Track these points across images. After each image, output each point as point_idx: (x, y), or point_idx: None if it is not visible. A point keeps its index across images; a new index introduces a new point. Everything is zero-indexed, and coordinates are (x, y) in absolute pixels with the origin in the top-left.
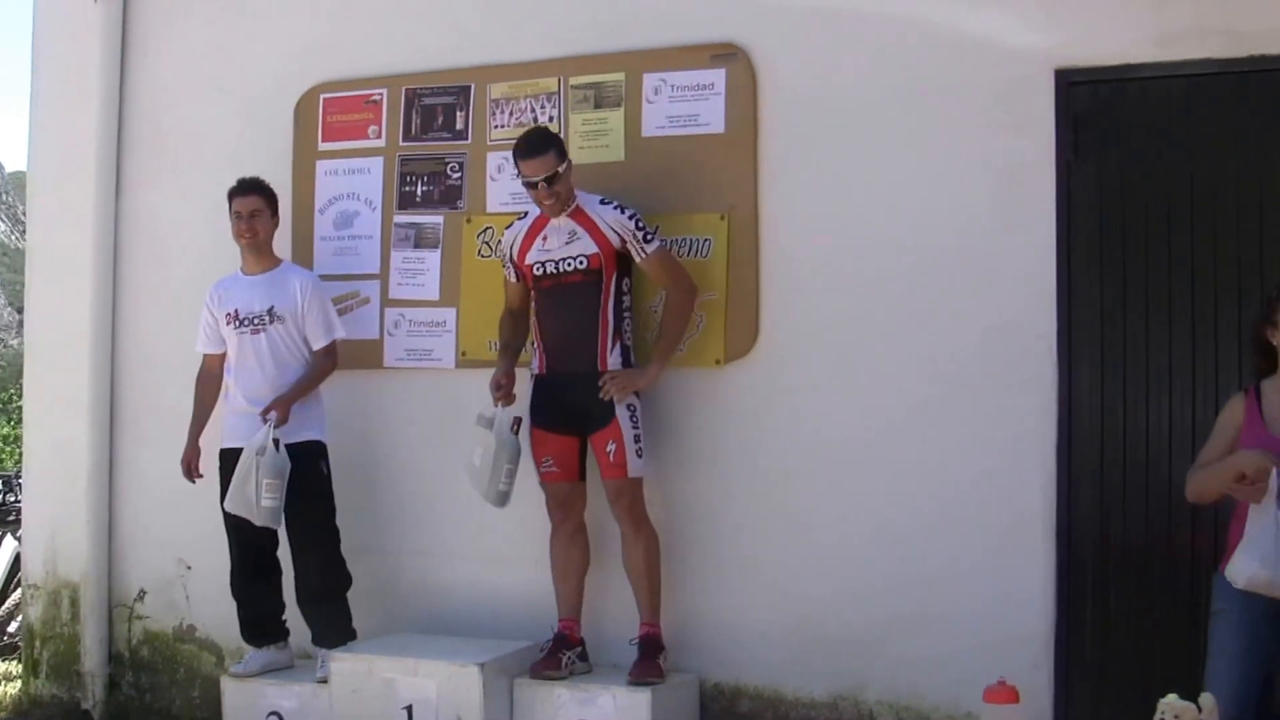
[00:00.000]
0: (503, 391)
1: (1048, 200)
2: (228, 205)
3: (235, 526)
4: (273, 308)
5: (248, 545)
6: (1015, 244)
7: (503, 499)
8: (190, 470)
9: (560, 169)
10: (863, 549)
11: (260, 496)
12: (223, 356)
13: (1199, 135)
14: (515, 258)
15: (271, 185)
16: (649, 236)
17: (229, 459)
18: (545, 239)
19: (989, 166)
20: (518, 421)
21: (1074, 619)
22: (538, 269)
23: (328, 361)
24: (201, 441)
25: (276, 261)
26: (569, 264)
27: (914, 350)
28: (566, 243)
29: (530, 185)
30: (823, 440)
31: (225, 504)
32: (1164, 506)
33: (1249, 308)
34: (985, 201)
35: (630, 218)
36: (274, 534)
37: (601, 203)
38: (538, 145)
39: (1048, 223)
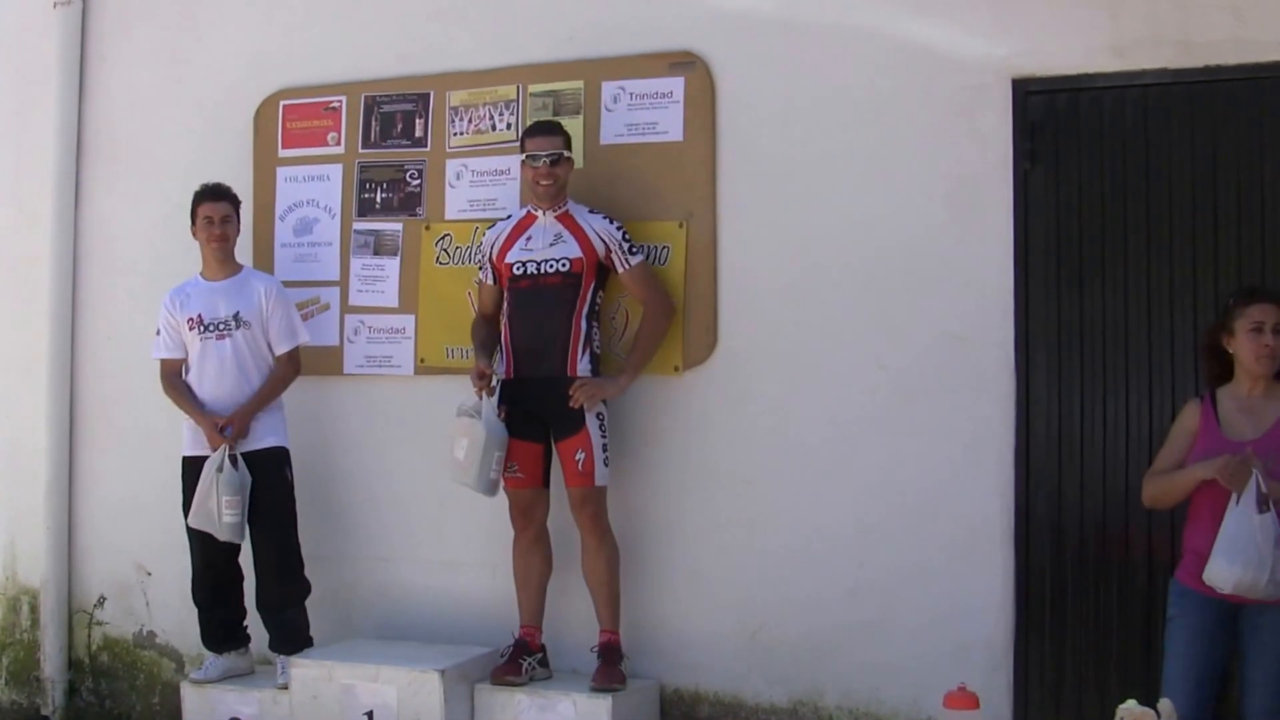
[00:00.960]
0: (485, 380)
1: (1004, 208)
2: (191, 210)
3: (198, 534)
4: (238, 313)
5: (210, 552)
6: (972, 252)
7: (494, 487)
8: (218, 433)
9: (565, 154)
10: (821, 554)
11: (221, 512)
12: (183, 361)
13: (1154, 144)
14: (494, 256)
15: (236, 192)
16: (633, 249)
17: (191, 466)
18: (529, 239)
19: (946, 175)
20: (504, 409)
21: (1031, 624)
22: (517, 268)
23: (290, 368)
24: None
25: (239, 267)
26: (551, 265)
27: (871, 358)
28: (550, 244)
29: (534, 162)
30: (781, 447)
31: (189, 520)
32: (1120, 513)
33: (1204, 315)
34: (942, 210)
35: (618, 229)
36: (239, 547)
37: (590, 212)
38: (550, 126)
39: (1004, 231)
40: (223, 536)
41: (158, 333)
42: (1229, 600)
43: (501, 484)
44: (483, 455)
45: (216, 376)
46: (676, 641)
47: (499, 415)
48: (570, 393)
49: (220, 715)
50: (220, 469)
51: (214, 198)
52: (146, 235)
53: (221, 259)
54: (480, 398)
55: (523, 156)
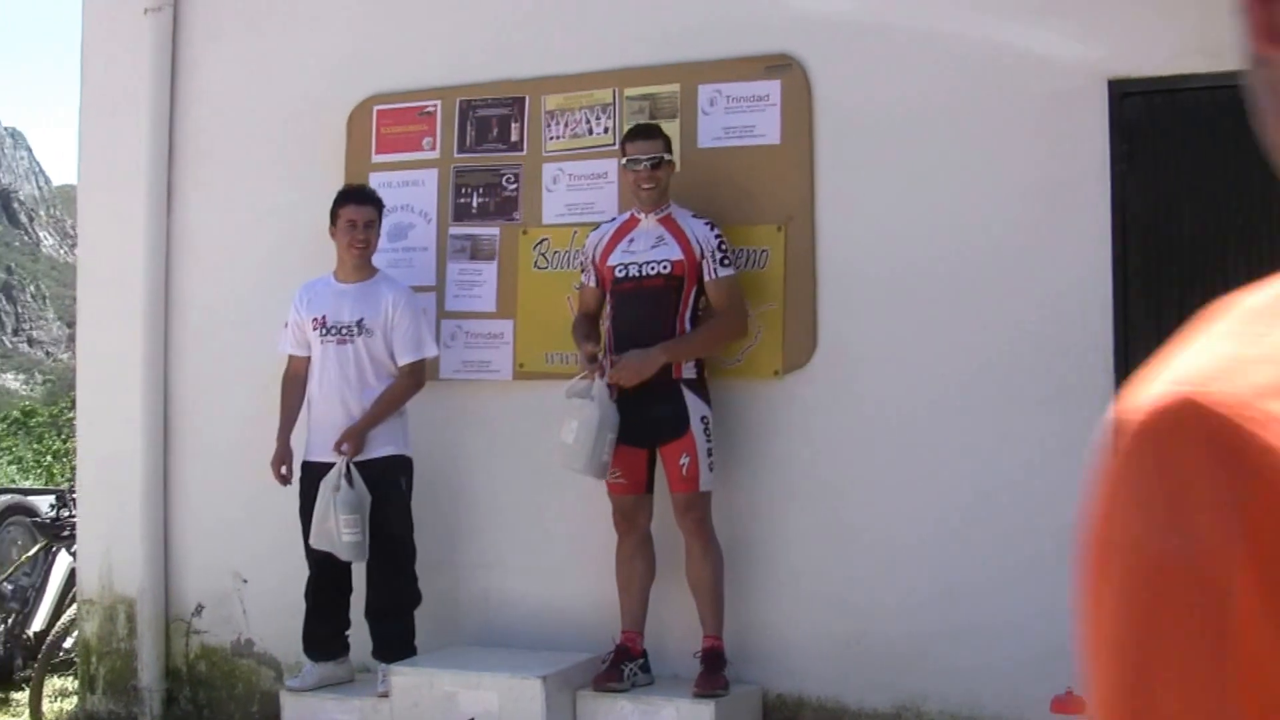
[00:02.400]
0: (595, 363)
1: (1102, 210)
2: (332, 210)
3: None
4: (362, 320)
5: (324, 560)
6: (1069, 254)
7: (605, 470)
8: (281, 472)
9: (666, 157)
10: (920, 559)
11: (340, 532)
12: (308, 360)
13: (1248, 144)
14: (597, 259)
15: (327, 197)
16: (726, 261)
17: (310, 472)
18: (631, 241)
19: (1042, 177)
20: (615, 389)
21: None
22: (620, 270)
23: (411, 380)
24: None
25: (373, 271)
26: (653, 268)
27: (970, 361)
28: (653, 246)
29: (635, 166)
30: (880, 451)
31: (310, 540)
32: None
33: None
34: (1040, 212)
35: (717, 237)
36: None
37: (694, 216)
38: (650, 130)
39: (1102, 233)
40: (344, 557)
41: (285, 326)
42: None
43: (608, 474)
44: (596, 437)
45: (333, 382)
46: (779, 647)
47: (612, 396)
48: (609, 380)
49: None
50: (337, 488)
51: (359, 201)
52: (240, 240)
53: (358, 263)
54: (592, 381)
55: (623, 161)
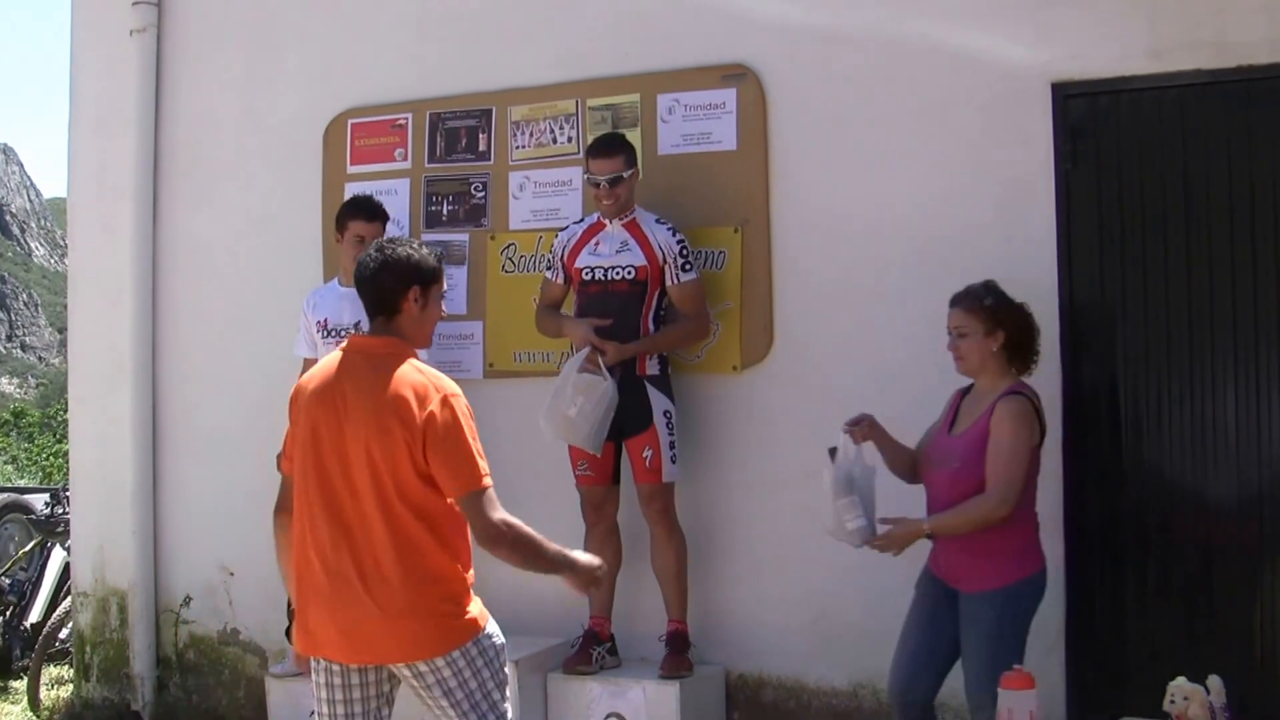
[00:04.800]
0: (598, 341)
1: (1048, 208)
2: (339, 219)
3: None
4: (359, 322)
5: None
6: (1018, 250)
7: (601, 445)
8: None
9: (625, 174)
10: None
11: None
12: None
13: (1192, 143)
14: (565, 258)
15: (305, 207)
16: (688, 266)
17: None
18: (598, 244)
19: (991, 177)
20: (618, 369)
21: (1083, 607)
22: (587, 274)
23: None
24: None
25: None
26: (618, 272)
27: (924, 354)
28: (618, 251)
29: (593, 183)
30: (835, 440)
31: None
32: (1166, 497)
33: (1244, 308)
34: (989, 211)
35: (678, 242)
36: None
37: (657, 221)
38: (609, 147)
39: (1048, 230)
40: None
41: (299, 330)
42: (949, 584)
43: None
44: (605, 414)
45: None
46: (741, 630)
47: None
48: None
49: (304, 708)
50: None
51: (369, 217)
52: (223, 250)
53: None
54: (599, 355)
55: (586, 177)
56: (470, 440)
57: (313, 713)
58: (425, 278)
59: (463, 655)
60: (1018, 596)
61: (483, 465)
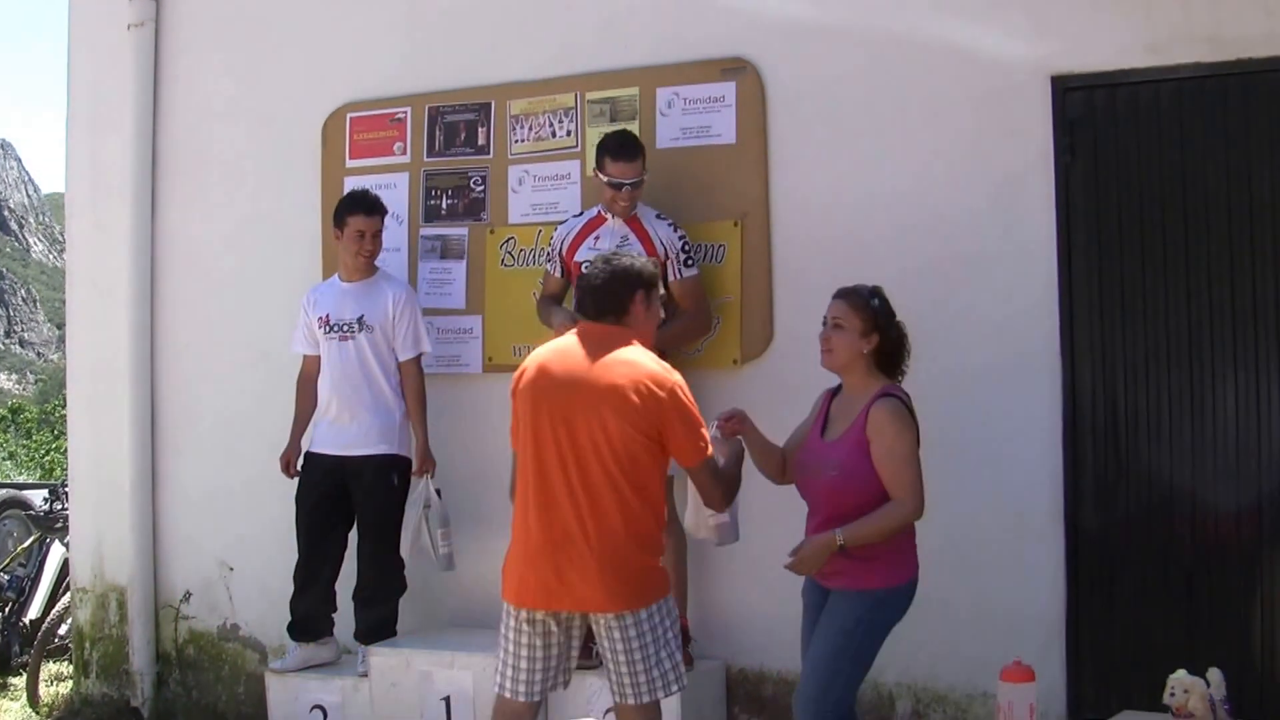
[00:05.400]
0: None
1: (1046, 202)
2: (338, 214)
3: (304, 524)
4: (362, 317)
5: (314, 545)
6: (1017, 244)
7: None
8: (288, 467)
9: (645, 177)
10: None
11: (437, 545)
12: (319, 359)
13: (1189, 136)
14: (564, 252)
15: (303, 202)
16: (690, 262)
17: (312, 462)
18: (597, 239)
19: (990, 171)
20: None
21: (1082, 600)
22: (586, 267)
23: (419, 375)
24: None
25: (373, 271)
26: None
27: (921, 348)
28: (618, 246)
29: (615, 186)
30: None
31: (402, 553)
32: (1164, 492)
33: (1241, 301)
34: (986, 204)
35: (680, 238)
36: (344, 544)
37: (658, 217)
38: (633, 149)
39: (1047, 223)
40: (441, 568)
41: (296, 328)
42: (824, 584)
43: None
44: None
45: (338, 378)
46: (741, 624)
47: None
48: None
49: (303, 703)
50: (428, 505)
51: (368, 211)
52: (220, 246)
53: (361, 265)
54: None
55: (602, 177)
56: (698, 416)
57: (314, 707)
58: (648, 283)
59: (658, 610)
60: (884, 604)
61: (706, 435)
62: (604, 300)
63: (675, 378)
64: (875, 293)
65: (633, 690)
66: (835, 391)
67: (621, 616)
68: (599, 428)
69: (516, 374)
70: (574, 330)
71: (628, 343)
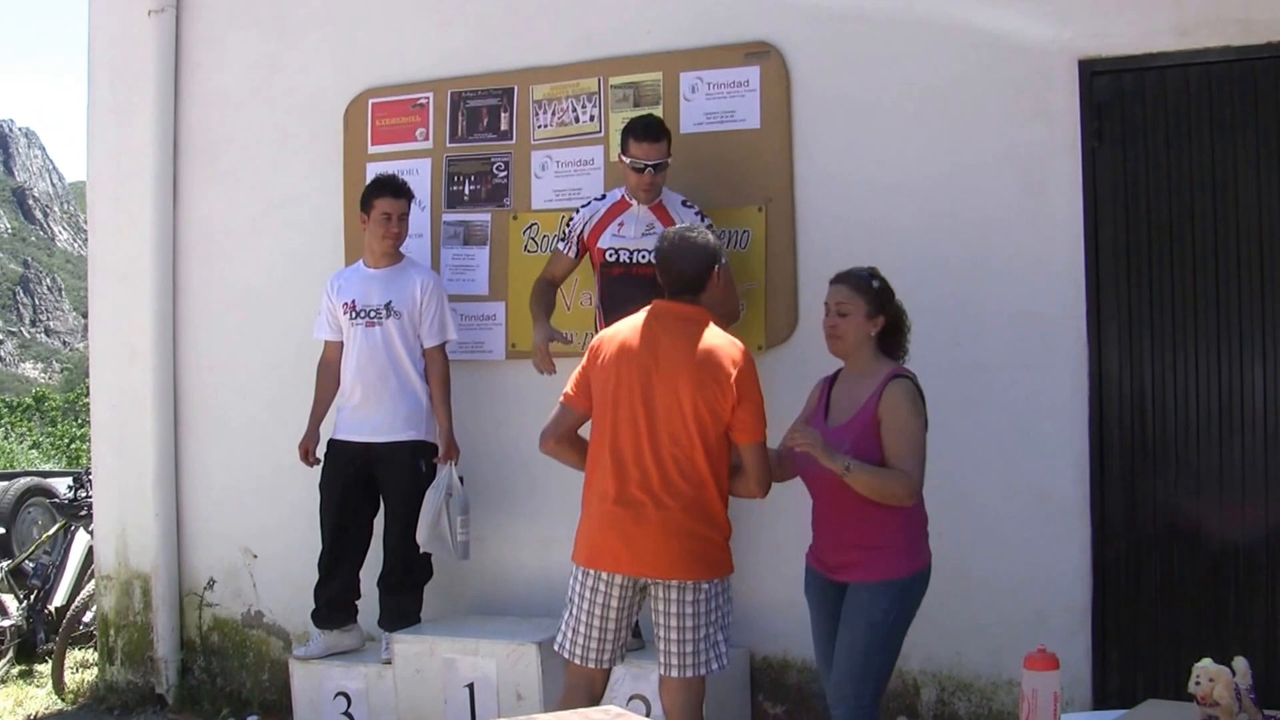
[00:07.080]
0: (549, 361)
1: (1074, 187)
2: (364, 199)
3: (330, 511)
4: (390, 303)
5: (340, 531)
6: (1043, 230)
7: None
8: (308, 456)
9: (669, 160)
10: None
11: (455, 533)
12: (341, 345)
13: (1218, 120)
14: (586, 235)
15: (326, 189)
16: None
17: (335, 449)
18: (621, 225)
19: (1017, 156)
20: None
21: (1109, 589)
22: (610, 255)
23: (445, 362)
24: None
25: (400, 257)
26: (643, 255)
27: (947, 335)
28: (644, 234)
29: (638, 169)
30: None
31: (420, 541)
32: (1190, 481)
33: (1271, 286)
34: (1013, 189)
35: (708, 227)
36: (369, 531)
37: (684, 204)
38: (658, 131)
39: (1074, 209)
40: (458, 557)
41: (319, 313)
42: (834, 578)
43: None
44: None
45: (362, 364)
46: (765, 612)
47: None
48: None
49: (327, 690)
50: (450, 494)
51: (395, 194)
52: (242, 232)
53: (387, 250)
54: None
55: (625, 159)
56: (762, 397)
57: (338, 694)
58: (721, 258)
59: (717, 586)
60: (909, 592)
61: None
62: (686, 279)
63: (749, 358)
64: (873, 274)
65: (678, 663)
66: (832, 380)
67: (683, 586)
68: (675, 405)
69: (595, 343)
70: (649, 308)
71: (705, 322)
